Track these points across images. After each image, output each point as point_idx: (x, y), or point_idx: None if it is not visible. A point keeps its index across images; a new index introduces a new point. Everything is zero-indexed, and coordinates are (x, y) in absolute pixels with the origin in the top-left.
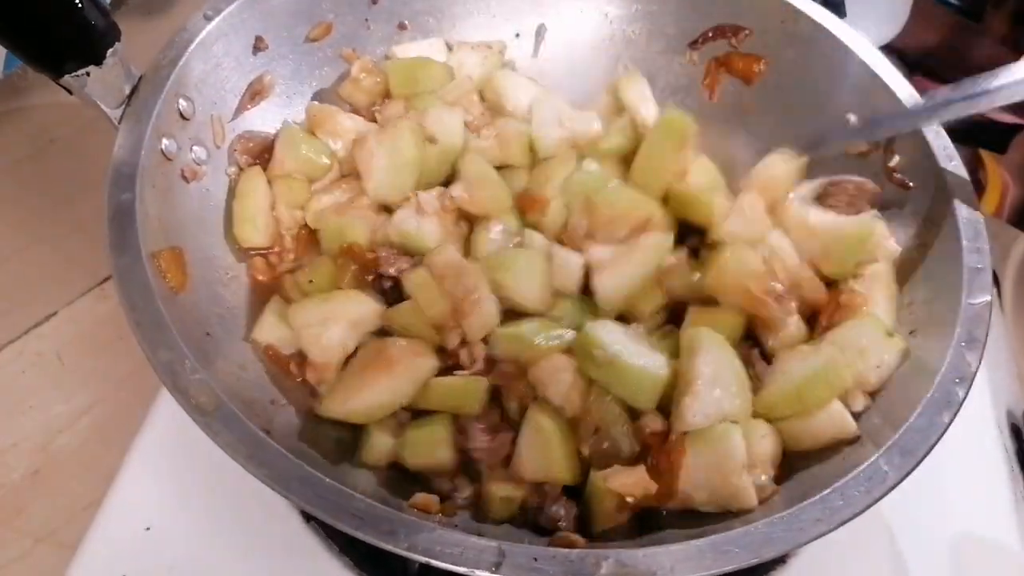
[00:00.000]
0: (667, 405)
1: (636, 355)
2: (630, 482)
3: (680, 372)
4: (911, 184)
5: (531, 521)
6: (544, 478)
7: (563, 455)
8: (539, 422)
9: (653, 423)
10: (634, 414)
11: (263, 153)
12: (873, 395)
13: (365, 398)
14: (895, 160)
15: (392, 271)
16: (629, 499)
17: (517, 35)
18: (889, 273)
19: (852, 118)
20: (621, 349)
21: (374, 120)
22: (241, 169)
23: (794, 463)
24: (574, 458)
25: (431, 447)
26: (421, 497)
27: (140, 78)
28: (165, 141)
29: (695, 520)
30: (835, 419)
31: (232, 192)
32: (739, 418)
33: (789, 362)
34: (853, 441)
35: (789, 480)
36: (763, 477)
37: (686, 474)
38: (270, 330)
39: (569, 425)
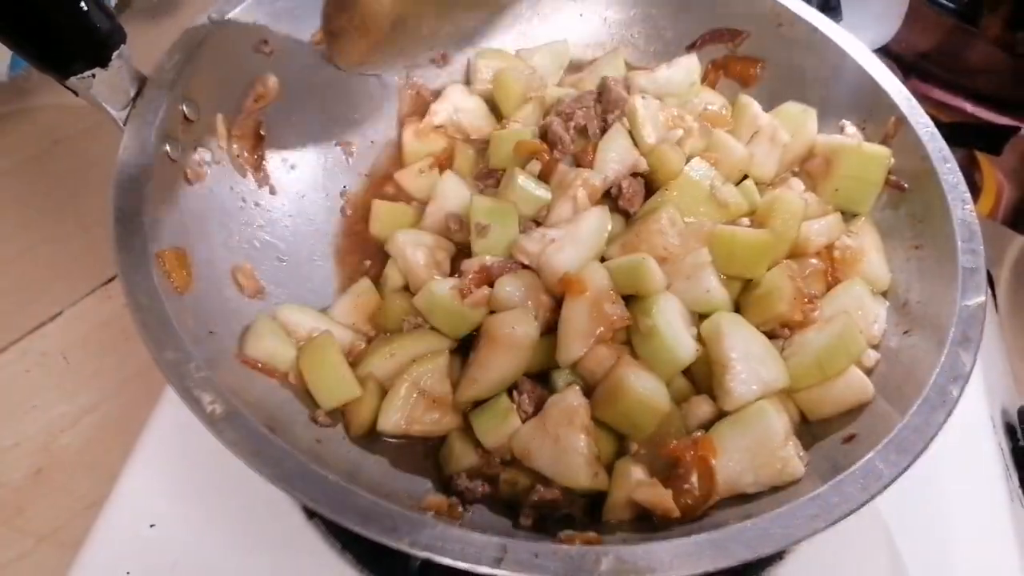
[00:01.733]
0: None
1: (673, 332)
2: (654, 498)
3: (712, 360)
4: (906, 186)
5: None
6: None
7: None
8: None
9: (701, 408)
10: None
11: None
12: (876, 347)
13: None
14: (890, 162)
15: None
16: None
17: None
18: (872, 224)
19: (847, 124)
20: (663, 324)
21: None
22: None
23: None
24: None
25: (501, 419)
26: (433, 500)
27: (145, 80)
28: (170, 143)
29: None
30: (854, 383)
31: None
32: (780, 384)
33: (806, 333)
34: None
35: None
36: (793, 446)
37: (727, 463)
38: (261, 345)
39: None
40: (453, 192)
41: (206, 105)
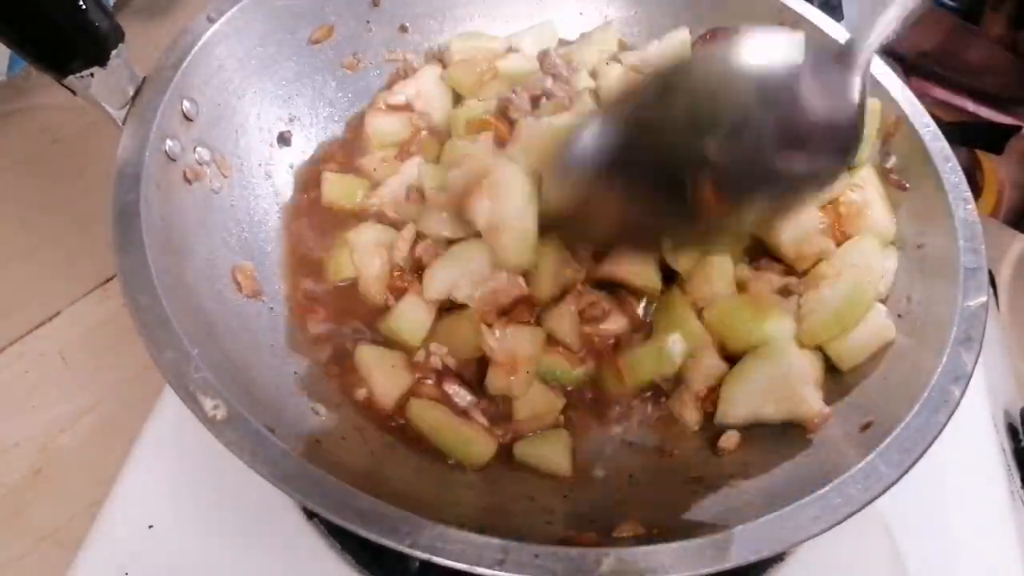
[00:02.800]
0: None
1: None
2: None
3: None
4: (907, 185)
5: None
6: None
7: None
8: None
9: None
10: None
11: None
12: (884, 301)
13: None
14: (891, 162)
15: None
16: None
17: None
18: (873, 173)
19: None
20: None
21: None
22: None
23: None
24: None
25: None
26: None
27: (144, 80)
28: (169, 142)
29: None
30: (877, 327)
31: None
32: None
33: (821, 291)
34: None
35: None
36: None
37: (749, 389)
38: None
39: None
40: (414, 170)
41: (205, 104)
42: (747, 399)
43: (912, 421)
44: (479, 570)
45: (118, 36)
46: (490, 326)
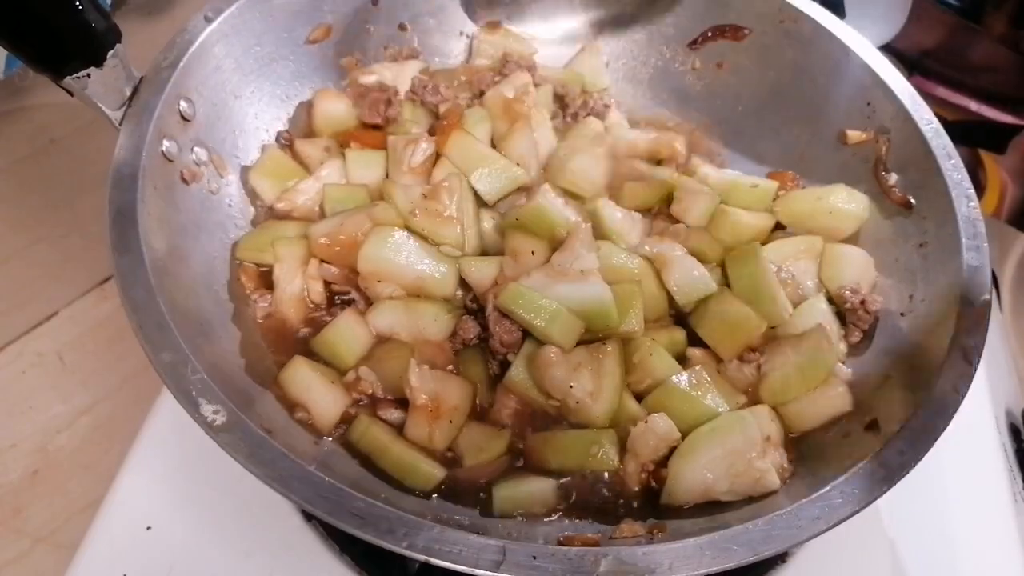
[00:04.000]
0: None
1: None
2: None
3: None
4: (913, 202)
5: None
6: None
7: None
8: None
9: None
10: None
11: None
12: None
13: None
14: (893, 179)
15: None
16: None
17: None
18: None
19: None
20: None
21: None
22: None
23: (800, 447)
24: None
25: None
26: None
27: (141, 80)
28: (166, 143)
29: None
30: (834, 395)
31: None
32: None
33: (782, 351)
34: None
35: (800, 465)
36: (779, 457)
37: (702, 469)
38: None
39: None
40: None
41: (202, 104)
42: (698, 477)
43: (914, 421)
44: (477, 572)
45: (115, 36)
46: (422, 365)
